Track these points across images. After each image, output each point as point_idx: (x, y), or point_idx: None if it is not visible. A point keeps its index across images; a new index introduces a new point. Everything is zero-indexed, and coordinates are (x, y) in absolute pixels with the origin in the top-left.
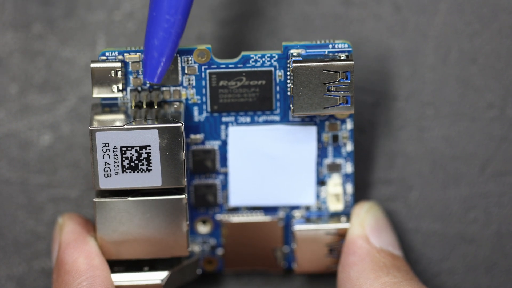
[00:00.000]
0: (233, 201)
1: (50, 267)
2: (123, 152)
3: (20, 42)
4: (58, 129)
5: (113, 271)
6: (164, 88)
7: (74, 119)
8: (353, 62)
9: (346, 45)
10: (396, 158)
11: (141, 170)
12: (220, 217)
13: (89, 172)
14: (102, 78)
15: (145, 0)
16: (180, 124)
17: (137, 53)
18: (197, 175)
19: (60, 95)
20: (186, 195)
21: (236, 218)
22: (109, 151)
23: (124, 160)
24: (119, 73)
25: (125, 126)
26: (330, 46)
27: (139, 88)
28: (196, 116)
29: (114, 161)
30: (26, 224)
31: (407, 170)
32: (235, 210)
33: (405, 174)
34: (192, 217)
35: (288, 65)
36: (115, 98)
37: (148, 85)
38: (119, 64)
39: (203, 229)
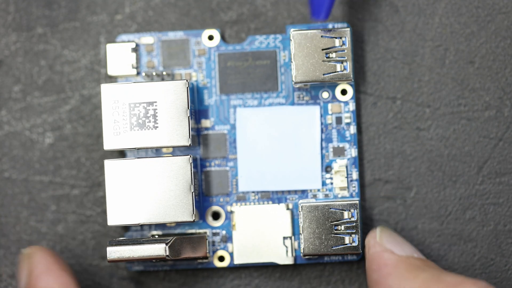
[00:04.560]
0: (243, 187)
1: None
2: (131, 108)
3: (23, 43)
4: (60, 129)
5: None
6: (176, 71)
7: (76, 119)
8: (349, 28)
9: (345, 25)
10: (394, 158)
11: (148, 127)
12: (230, 207)
13: (91, 171)
14: (117, 58)
15: (145, 3)
16: (185, 80)
17: (152, 36)
18: (207, 161)
19: (62, 96)
20: (192, 156)
21: (245, 207)
22: (118, 108)
23: (132, 117)
24: (134, 53)
25: (133, 82)
26: (330, 25)
27: (153, 72)
28: (206, 100)
29: (123, 119)
30: (28, 222)
31: (404, 170)
32: (244, 199)
33: (403, 174)
34: (203, 207)
35: (290, 37)
36: (130, 79)
37: (161, 68)
38: (133, 45)
39: (214, 222)
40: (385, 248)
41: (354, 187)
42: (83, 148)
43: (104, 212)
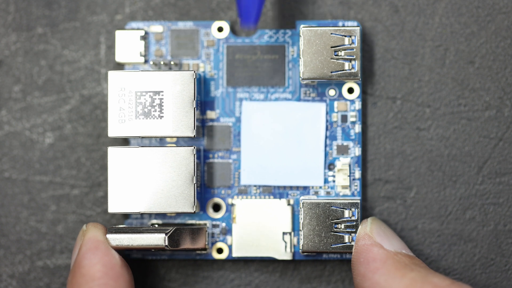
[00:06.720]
0: (245, 180)
1: (53, 265)
2: (138, 97)
3: (23, 43)
4: (60, 129)
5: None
6: (183, 61)
7: (77, 119)
8: (360, 27)
9: (356, 23)
10: (394, 158)
11: (154, 116)
12: (231, 199)
13: (91, 171)
14: (125, 45)
15: (145, 3)
16: (192, 71)
17: (161, 25)
18: (211, 153)
19: (62, 96)
20: (195, 147)
21: (246, 201)
22: (124, 95)
23: (138, 106)
24: (142, 41)
25: (141, 70)
26: (340, 23)
27: (161, 61)
28: (212, 91)
29: (129, 107)
30: (28, 222)
31: (404, 170)
32: (246, 192)
33: (403, 174)
34: (204, 199)
35: (300, 33)
36: (137, 67)
37: (169, 56)
38: (143, 33)
39: (214, 214)
40: (374, 241)
41: (356, 186)
42: (83, 148)
43: (104, 212)
